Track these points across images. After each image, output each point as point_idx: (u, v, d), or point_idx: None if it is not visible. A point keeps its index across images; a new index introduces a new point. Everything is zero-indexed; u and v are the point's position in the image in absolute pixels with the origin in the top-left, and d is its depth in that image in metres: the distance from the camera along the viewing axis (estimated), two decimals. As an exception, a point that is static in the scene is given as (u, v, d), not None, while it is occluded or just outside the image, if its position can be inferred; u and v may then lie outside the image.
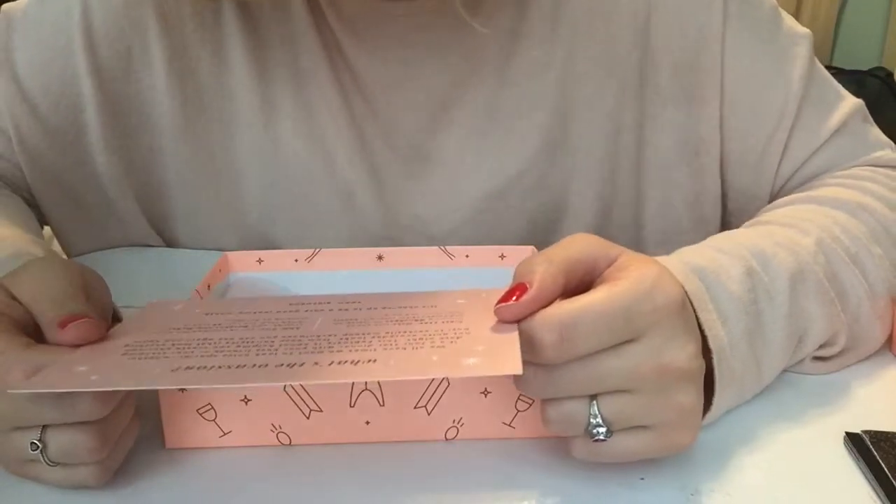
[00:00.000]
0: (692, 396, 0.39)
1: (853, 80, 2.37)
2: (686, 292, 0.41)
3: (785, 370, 0.49)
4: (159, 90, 0.65)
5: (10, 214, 0.61)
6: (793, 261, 0.47)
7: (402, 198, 0.67)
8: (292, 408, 0.43)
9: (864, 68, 2.48)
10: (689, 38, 0.63)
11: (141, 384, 0.37)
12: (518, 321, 0.39)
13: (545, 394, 0.39)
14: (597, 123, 0.65)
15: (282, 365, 0.37)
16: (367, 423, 0.44)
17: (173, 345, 0.40)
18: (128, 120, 0.66)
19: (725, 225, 0.69)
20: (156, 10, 0.64)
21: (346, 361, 0.37)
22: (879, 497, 0.40)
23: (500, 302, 0.39)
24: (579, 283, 0.40)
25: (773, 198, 0.65)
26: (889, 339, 0.53)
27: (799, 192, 0.60)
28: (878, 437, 0.43)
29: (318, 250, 0.62)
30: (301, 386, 0.43)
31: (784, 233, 0.50)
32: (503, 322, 0.39)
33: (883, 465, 0.41)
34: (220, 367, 0.37)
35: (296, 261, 0.62)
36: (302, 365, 0.37)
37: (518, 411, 0.44)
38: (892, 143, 0.65)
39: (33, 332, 0.41)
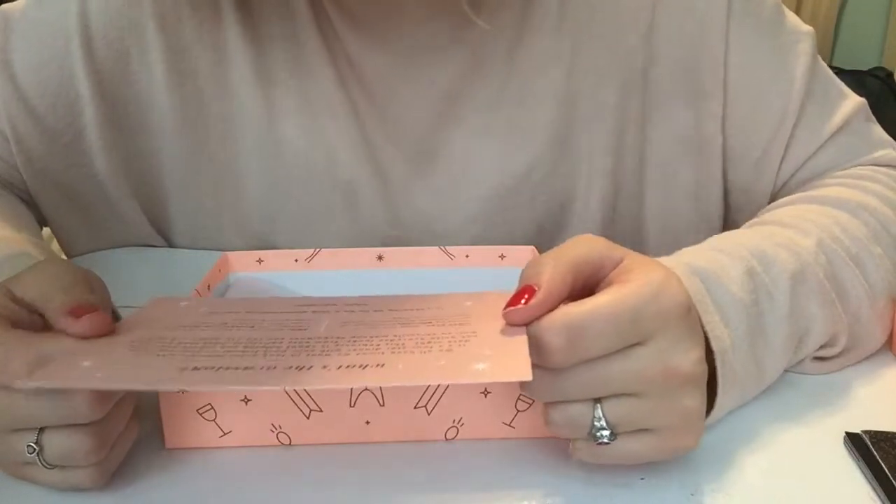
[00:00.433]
0: (696, 400, 0.39)
1: (853, 80, 2.37)
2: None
3: (785, 370, 0.49)
4: (158, 91, 0.65)
5: (8, 215, 0.61)
6: (794, 261, 0.47)
7: (408, 195, 0.67)
8: (292, 408, 0.43)
9: (864, 68, 2.47)
10: (692, 35, 0.62)
11: (147, 385, 0.36)
12: (527, 324, 0.39)
13: (550, 397, 0.39)
14: (602, 119, 0.65)
15: (290, 367, 0.37)
16: (367, 423, 0.44)
17: (180, 343, 0.40)
18: (126, 121, 0.66)
19: (728, 223, 0.69)
20: (154, 11, 0.64)
21: (354, 365, 0.37)
22: (879, 497, 0.40)
23: (508, 305, 0.39)
24: (584, 284, 0.40)
25: (774, 196, 0.65)
26: (889, 339, 0.53)
27: (800, 191, 0.60)
28: (878, 437, 0.43)
29: (318, 250, 0.62)
30: (301, 386, 0.43)
31: (785, 233, 0.50)
32: (512, 325, 0.39)
33: (883, 465, 0.41)
34: (227, 368, 0.37)
35: (296, 261, 0.62)
36: (310, 368, 0.37)
37: (518, 411, 0.44)
38: (893, 142, 0.65)
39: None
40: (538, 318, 0.38)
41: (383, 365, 0.37)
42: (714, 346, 0.42)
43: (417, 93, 0.64)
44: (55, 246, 0.71)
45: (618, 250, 0.40)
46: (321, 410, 0.43)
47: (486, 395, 0.43)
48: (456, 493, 0.40)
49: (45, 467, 0.39)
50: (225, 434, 0.44)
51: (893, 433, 0.43)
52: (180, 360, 0.38)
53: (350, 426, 0.44)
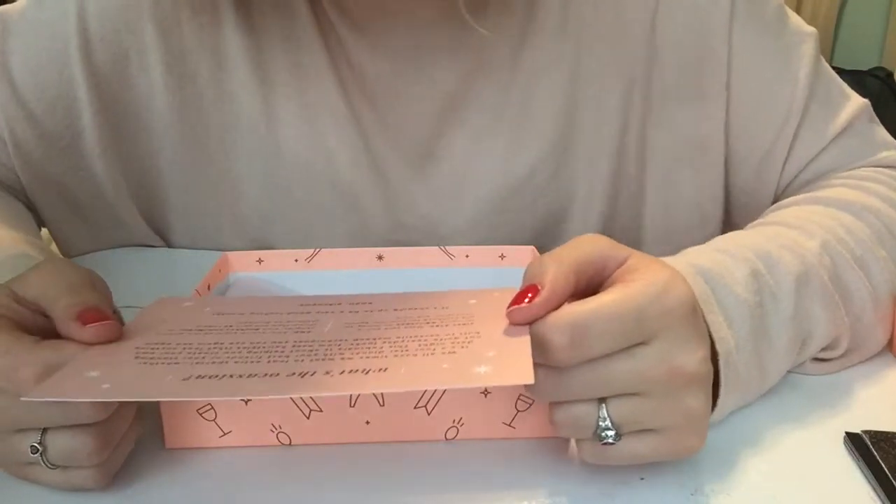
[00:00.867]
0: (701, 401, 0.39)
1: (853, 80, 2.36)
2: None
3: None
4: (156, 94, 0.65)
5: (7, 216, 0.61)
6: (798, 263, 0.47)
7: (409, 199, 0.67)
8: (292, 408, 0.43)
9: (864, 68, 2.47)
10: (695, 36, 0.62)
11: (152, 396, 0.36)
12: (530, 323, 0.39)
13: (554, 397, 0.39)
14: (604, 121, 0.65)
15: (293, 374, 0.37)
16: (367, 423, 0.44)
17: (184, 349, 0.40)
18: (125, 124, 0.66)
19: (728, 224, 0.69)
20: (153, 14, 0.63)
21: (357, 370, 0.37)
22: (879, 497, 0.40)
23: (512, 304, 0.39)
24: (588, 284, 0.40)
25: (777, 198, 0.64)
26: (890, 340, 0.53)
27: (804, 192, 0.60)
28: (878, 437, 0.43)
29: (318, 250, 0.62)
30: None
31: (789, 234, 0.50)
32: (515, 324, 0.39)
33: (883, 465, 0.41)
34: (230, 375, 0.37)
35: (296, 261, 0.62)
36: (313, 374, 0.37)
37: (518, 411, 0.44)
38: (896, 143, 0.65)
39: (38, 335, 0.41)
40: (542, 317, 0.38)
41: (386, 369, 0.37)
42: (718, 346, 0.42)
43: (419, 95, 0.64)
44: (54, 247, 0.71)
45: (622, 249, 0.40)
46: (321, 410, 0.43)
47: (486, 396, 0.43)
48: (456, 493, 0.40)
49: (48, 468, 0.39)
50: (225, 434, 0.44)
51: (893, 433, 0.43)
52: (184, 369, 0.38)
53: (350, 426, 0.44)
